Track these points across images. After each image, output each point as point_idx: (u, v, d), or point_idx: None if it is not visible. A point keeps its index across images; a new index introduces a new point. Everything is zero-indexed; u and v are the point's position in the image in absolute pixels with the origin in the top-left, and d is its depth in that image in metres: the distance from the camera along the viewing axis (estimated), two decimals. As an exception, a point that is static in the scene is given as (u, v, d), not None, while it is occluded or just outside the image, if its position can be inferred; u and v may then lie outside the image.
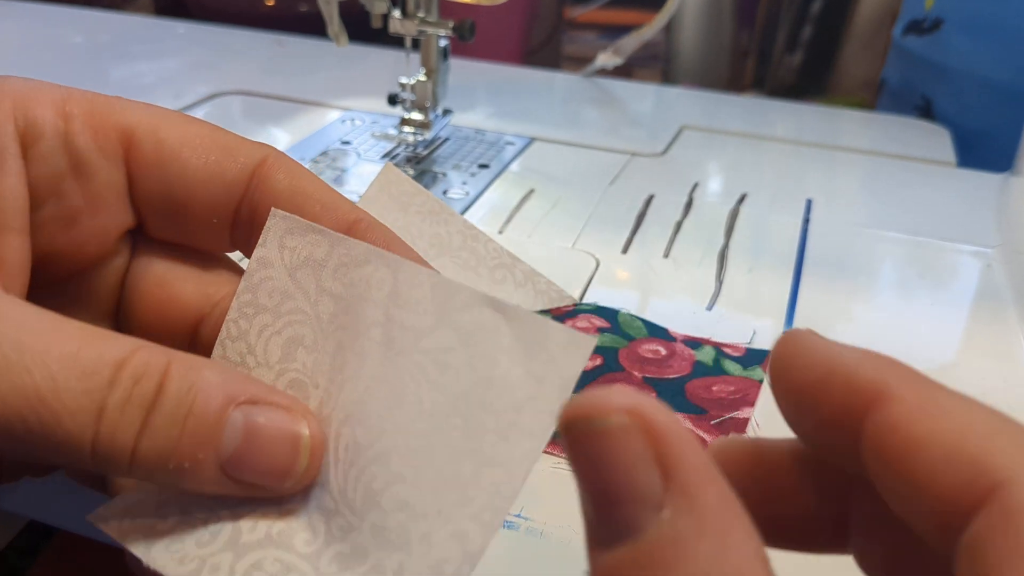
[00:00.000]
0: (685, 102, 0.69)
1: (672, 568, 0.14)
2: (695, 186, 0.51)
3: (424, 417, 0.20)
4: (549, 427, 0.19)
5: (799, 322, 0.37)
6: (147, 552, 0.21)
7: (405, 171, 0.51)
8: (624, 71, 0.72)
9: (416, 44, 0.51)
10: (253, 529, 0.21)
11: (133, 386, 0.20)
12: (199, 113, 0.59)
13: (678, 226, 0.46)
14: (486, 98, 0.66)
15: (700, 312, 0.38)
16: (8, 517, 0.43)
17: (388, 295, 0.21)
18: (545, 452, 0.29)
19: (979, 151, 0.67)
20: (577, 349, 0.19)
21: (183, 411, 0.20)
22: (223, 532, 0.21)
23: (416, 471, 0.20)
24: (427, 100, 0.53)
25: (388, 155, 0.53)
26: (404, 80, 0.52)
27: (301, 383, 0.22)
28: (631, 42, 0.66)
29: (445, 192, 0.48)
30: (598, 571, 0.15)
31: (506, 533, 0.26)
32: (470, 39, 0.49)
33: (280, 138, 0.56)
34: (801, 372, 0.17)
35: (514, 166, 0.53)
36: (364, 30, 0.53)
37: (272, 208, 0.23)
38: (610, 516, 0.15)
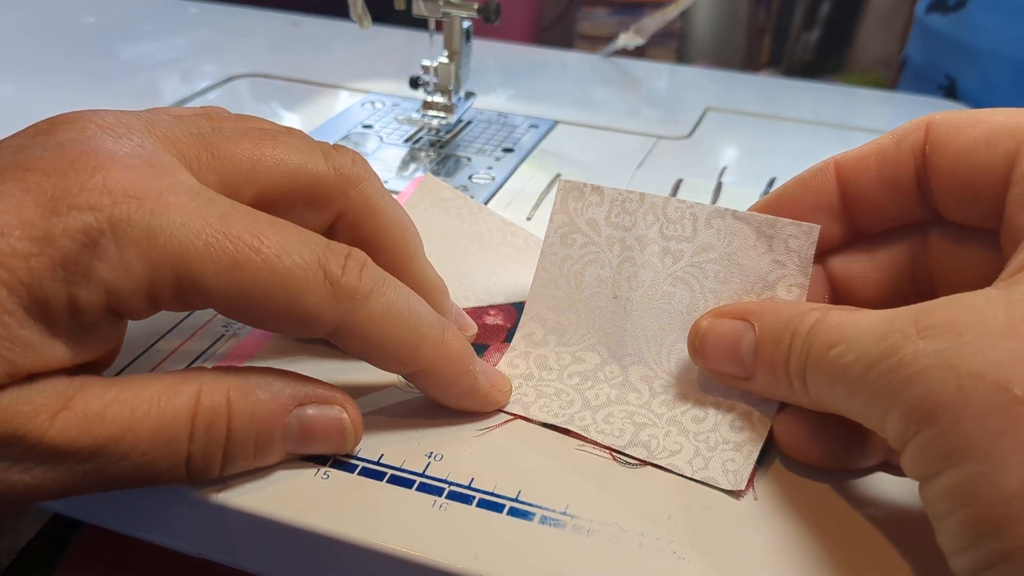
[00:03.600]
0: (707, 82, 0.68)
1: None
2: (723, 170, 0.50)
3: (708, 301, 0.30)
4: (801, 295, 0.29)
5: (836, 311, 0.37)
6: (527, 411, 0.30)
7: (428, 155, 0.50)
8: (637, 49, 0.70)
9: (438, 26, 0.50)
10: (597, 396, 0.30)
11: (207, 432, 0.25)
12: (212, 95, 0.58)
13: (708, 212, 0.45)
14: (505, 80, 0.65)
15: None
16: (33, 509, 0.43)
17: (658, 226, 0.31)
18: (573, 436, 0.29)
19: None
20: (806, 236, 0.29)
21: (251, 436, 0.26)
22: (576, 400, 0.30)
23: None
24: (450, 83, 0.52)
25: (411, 139, 0.52)
26: (426, 63, 0.51)
27: (600, 291, 0.32)
28: (654, 22, 0.65)
29: (470, 177, 0.48)
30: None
31: (551, 531, 0.25)
32: (496, 21, 0.48)
33: (300, 122, 0.55)
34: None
35: (539, 150, 0.52)
36: (378, 10, 0.52)
37: (560, 178, 0.34)
38: None
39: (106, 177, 0.23)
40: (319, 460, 0.27)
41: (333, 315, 0.25)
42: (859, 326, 0.23)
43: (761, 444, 0.28)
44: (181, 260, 0.23)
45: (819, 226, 0.29)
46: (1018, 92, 0.70)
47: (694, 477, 0.27)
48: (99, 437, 0.23)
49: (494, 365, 0.32)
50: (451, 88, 0.52)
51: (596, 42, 0.68)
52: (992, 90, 0.72)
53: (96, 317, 0.23)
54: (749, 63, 1.27)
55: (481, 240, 0.37)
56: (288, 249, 0.24)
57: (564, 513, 0.26)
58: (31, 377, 0.23)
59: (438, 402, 0.29)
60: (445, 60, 0.51)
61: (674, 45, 1.22)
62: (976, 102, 0.67)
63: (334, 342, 0.26)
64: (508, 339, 0.33)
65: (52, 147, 0.23)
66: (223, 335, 0.33)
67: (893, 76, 1.00)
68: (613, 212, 0.32)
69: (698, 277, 0.30)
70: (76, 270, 0.22)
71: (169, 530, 0.28)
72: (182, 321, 0.34)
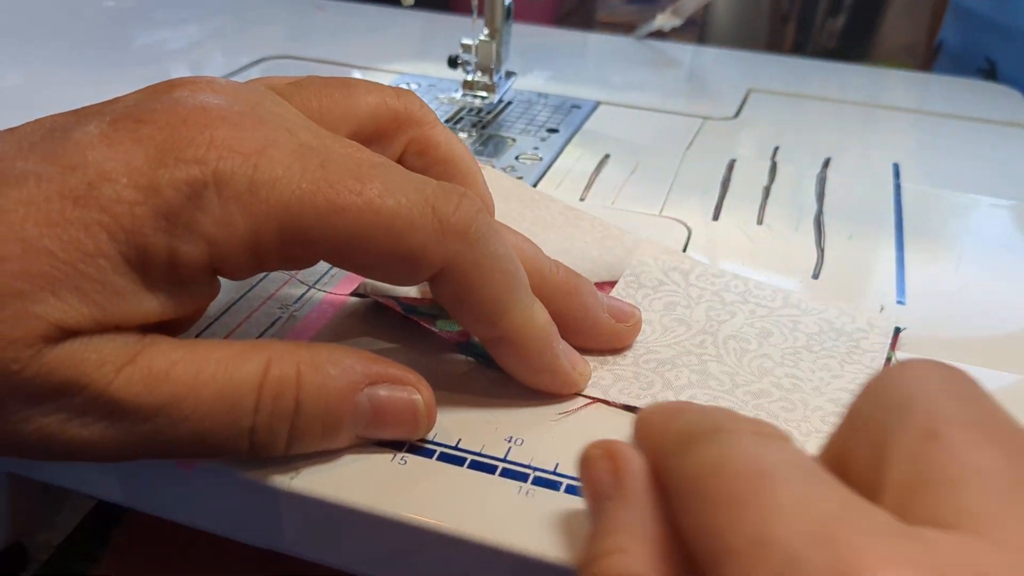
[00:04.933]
0: (745, 64, 0.67)
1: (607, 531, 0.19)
2: (776, 150, 0.48)
3: (796, 341, 0.31)
4: (880, 358, 0.30)
5: (911, 289, 0.35)
6: (606, 394, 0.28)
7: (471, 135, 0.49)
8: (656, 33, 0.69)
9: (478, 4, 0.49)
10: (678, 378, 0.29)
11: (273, 403, 0.23)
12: (242, 77, 0.57)
13: (767, 191, 0.43)
14: (540, 61, 0.63)
15: (807, 280, 0.36)
16: (73, 500, 0.41)
17: (743, 291, 0.33)
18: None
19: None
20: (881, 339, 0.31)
21: (319, 412, 0.24)
22: (656, 382, 0.29)
23: (793, 368, 0.30)
24: (491, 61, 0.50)
25: (451, 120, 0.50)
26: (467, 41, 0.50)
27: (682, 321, 0.32)
28: (691, 3, 0.63)
29: (517, 158, 0.46)
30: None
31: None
32: (542, -5, 0.46)
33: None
34: None
35: (584, 131, 0.50)
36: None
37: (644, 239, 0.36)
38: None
39: (214, 134, 0.23)
40: (395, 445, 0.26)
41: (440, 254, 0.24)
42: None
43: None
44: (282, 210, 0.22)
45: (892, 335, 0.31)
46: (1063, 74, 0.68)
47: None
48: (161, 396, 0.22)
49: None
50: (492, 67, 0.50)
51: (615, 29, 0.67)
52: (1035, 72, 0.70)
53: (194, 272, 0.23)
54: (772, 50, 1.25)
55: (544, 222, 0.36)
56: (392, 190, 0.23)
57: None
58: (116, 329, 0.22)
59: (515, 376, 0.28)
60: (485, 38, 0.50)
61: (696, 32, 1.20)
62: (1018, 84, 0.66)
63: (431, 287, 0.26)
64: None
65: (168, 102, 0.23)
66: (280, 317, 0.32)
67: (920, 64, 0.98)
68: (695, 272, 0.34)
69: (788, 326, 0.32)
70: (179, 222, 0.22)
71: (232, 518, 0.27)
72: (236, 303, 0.32)
